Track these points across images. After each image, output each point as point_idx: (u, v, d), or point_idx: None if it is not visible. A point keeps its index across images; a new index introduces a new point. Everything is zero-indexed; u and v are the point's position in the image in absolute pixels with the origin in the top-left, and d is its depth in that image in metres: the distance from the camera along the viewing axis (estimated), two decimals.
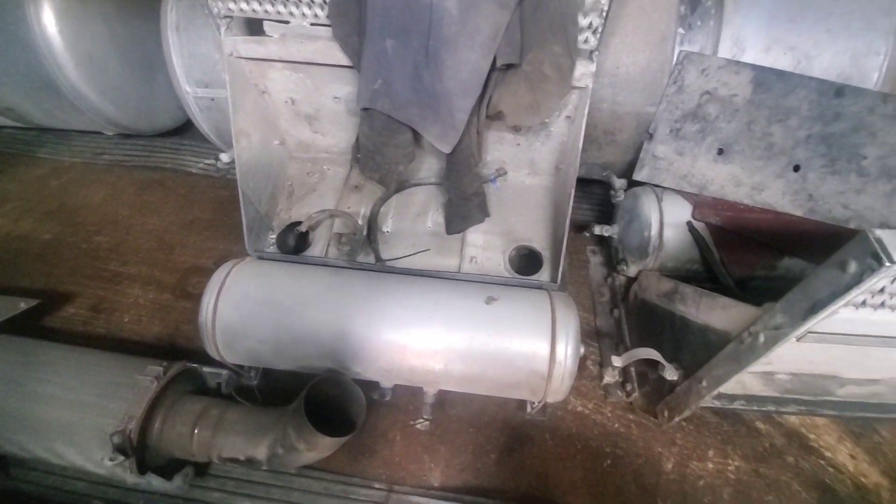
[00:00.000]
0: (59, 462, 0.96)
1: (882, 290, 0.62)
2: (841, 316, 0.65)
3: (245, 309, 0.97)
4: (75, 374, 0.98)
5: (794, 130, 1.13)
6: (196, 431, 0.94)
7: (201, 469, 1.03)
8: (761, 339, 0.73)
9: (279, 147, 1.25)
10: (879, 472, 1.16)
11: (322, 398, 0.93)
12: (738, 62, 1.09)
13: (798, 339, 0.69)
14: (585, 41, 0.92)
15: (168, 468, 0.96)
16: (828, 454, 1.18)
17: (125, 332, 1.28)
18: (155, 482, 0.91)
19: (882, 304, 0.65)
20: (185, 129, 1.78)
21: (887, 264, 0.52)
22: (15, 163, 1.74)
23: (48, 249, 1.47)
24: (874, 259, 0.54)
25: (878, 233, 0.53)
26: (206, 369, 1.05)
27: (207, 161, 1.67)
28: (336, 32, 0.95)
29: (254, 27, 1.03)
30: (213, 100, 1.28)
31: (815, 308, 0.63)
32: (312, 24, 0.98)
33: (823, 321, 0.65)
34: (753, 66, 1.08)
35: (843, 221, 1.16)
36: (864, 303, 0.65)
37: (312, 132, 1.23)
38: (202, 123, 1.35)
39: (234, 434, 0.94)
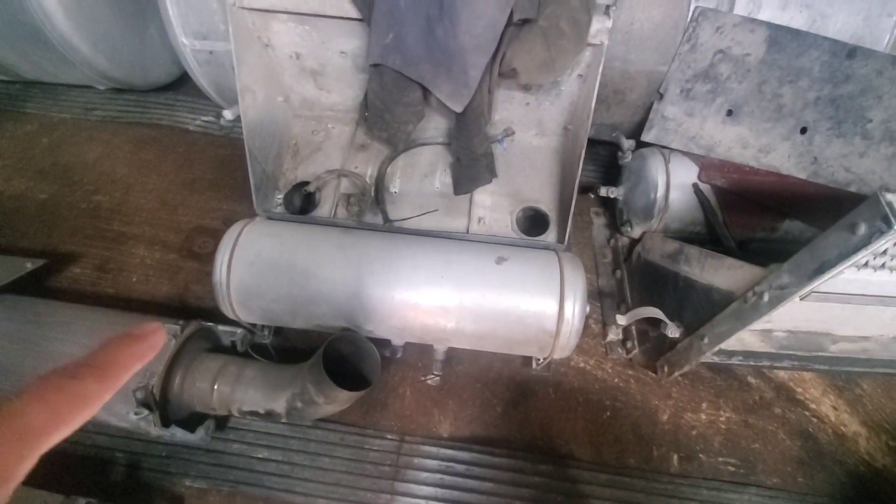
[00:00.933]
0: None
1: (885, 252, 0.65)
2: (844, 276, 0.68)
3: (258, 268, 0.98)
4: (91, 334, 1.00)
5: (804, 92, 1.13)
6: (216, 387, 0.97)
7: (221, 422, 1.07)
8: (766, 298, 0.76)
9: (283, 104, 1.22)
10: (859, 422, 1.24)
11: (337, 355, 0.96)
12: (755, 20, 1.07)
13: (801, 299, 0.72)
14: None
15: (190, 421, 1.00)
16: (812, 406, 1.25)
17: (134, 293, 1.29)
18: (178, 434, 0.94)
19: (882, 266, 0.68)
20: (180, 83, 1.71)
21: None
22: (2, 118, 1.68)
23: (46, 210, 1.45)
24: (884, 222, 0.56)
25: (889, 196, 0.55)
26: (220, 328, 1.07)
27: (205, 118, 1.62)
28: None
29: None
30: (211, 53, 1.23)
31: (822, 268, 0.65)
32: None
33: (828, 281, 0.68)
34: (769, 25, 1.06)
35: (845, 185, 1.18)
36: (866, 264, 0.68)
37: (317, 89, 1.20)
38: (200, 78, 1.30)
39: (254, 389, 0.97)
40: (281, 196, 1.19)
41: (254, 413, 0.98)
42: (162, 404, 0.95)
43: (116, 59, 1.42)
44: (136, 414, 0.91)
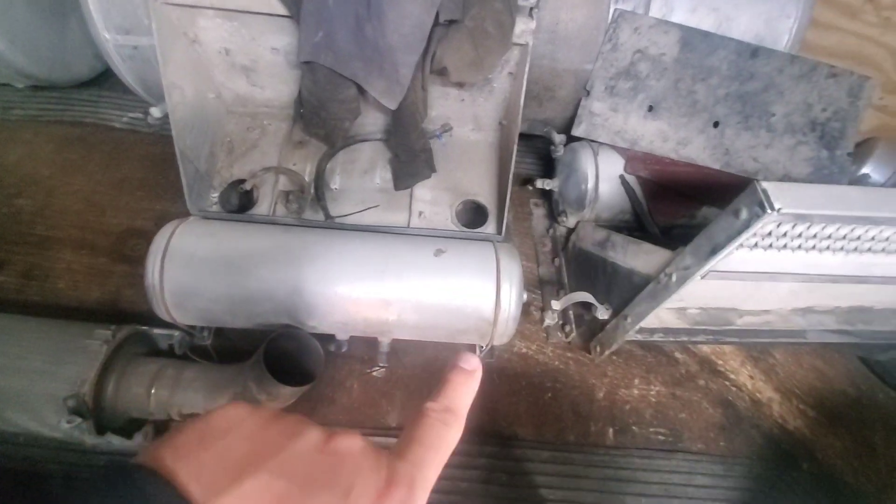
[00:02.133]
0: (11, 430, 0.94)
1: (769, 234, 0.73)
2: (737, 256, 0.76)
3: (194, 269, 0.97)
4: (17, 343, 0.95)
5: (714, 89, 1.23)
6: (153, 391, 0.95)
7: (160, 427, 1.05)
8: (674, 278, 0.83)
9: (215, 101, 1.19)
10: (772, 389, 1.37)
11: (280, 352, 0.96)
12: (668, 22, 1.15)
13: (702, 278, 0.79)
14: None
15: (127, 428, 0.98)
16: (732, 376, 1.37)
17: (62, 299, 1.23)
18: (115, 441, 0.92)
19: (770, 246, 0.76)
20: (103, 78, 1.62)
21: (769, 211, 0.62)
22: None
23: None
24: (760, 207, 0.63)
25: (764, 184, 0.63)
26: (156, 331, 1.05)
27: (132, 115, 1.55)
28: None
29: None
30: (135, 48, 1.19)
31: (714, 250, 0.73)
32: None
33: (722, 261, 0.76)
34: (681, 27, 1.15)
35: (753, 174, 1.30)
36: (755, 245, 0.76)
37: (250, 85, 1.19)
38: (125, 74, 1.25)
39: (193, 391, 0.96)
40: (216, 195, 1.17)
41: (194, 416, 0.97)
42: (96, 412, 0.92)
43: (35, 55, 1.34)
44: (68, 422, 0.88)
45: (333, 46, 0.94)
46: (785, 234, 0.76)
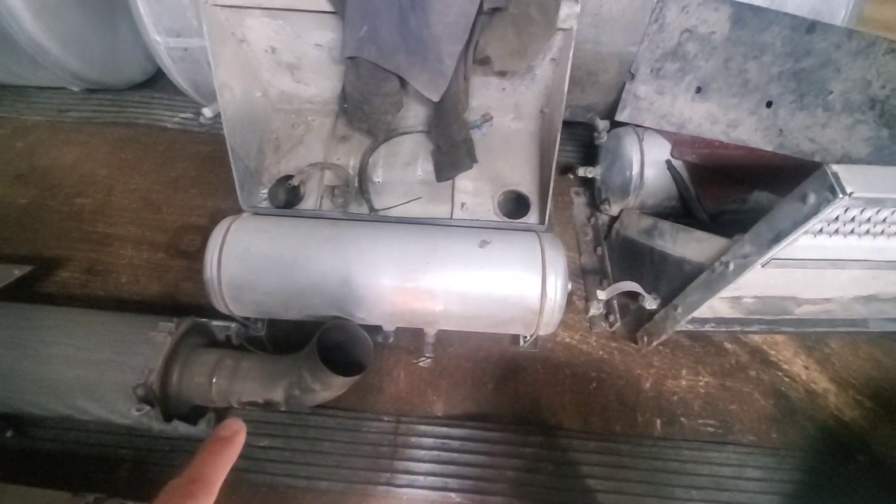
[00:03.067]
0: (83, 417, 1.01)
1: (836, 219, 0.70)
2: (800, 243, 0.73)
3: (249, 263, 1.00)
4: (86, 335, 1.02)
5: (767, 67, 1.17)
6: (214, 380, 1.00)
7: (221, 414, 1.10)
8: (731, 267, 0.81)
9: (262, 99, 1.22)
10: (828, 379, 1.32)
11: (331, 343, 0.99)
12: None
13: (763, 266, 0.77)
14: None
15: (191, 415, 1.03)
16: (785, 366, 1.33)
17: (124, 293, 1.30)
18: (181, 428, 0.98)
19: (836, 232, 0.73)
20: (154, 81, 1.69)
21: (841, 196, 0.59)
22: None
23: (27, 214, 1.44)
24: (830, 191, 0.60)
25: (835, 167, 0.60)
26: (214, 323, 1.10)
27: (183, 115, 1.61)
28: None
29: None
30: (185, 50, 1.23)
31: (778, 237, 0.70)
32: None
33: (785, 249, 0.73)
34: (732, 3, 1.10)
35: (809, 155, 1.23)
36: (820, 230, 0.73)
37: (295, 82, 1.21)
38: (176, 76, 1.29)
39: (251, 380, 1.00)
40: (265, 191, 1.21)
41: (253, 403, 1.01)
42: (162, 400, 0.97)
43: (88, 59, 1.40)
44: (137, 410, 0.93)
45: (377, 40, 0.95)
46: (853, 220, 0.72)
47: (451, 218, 1.19)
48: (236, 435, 0.36)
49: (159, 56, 1.24)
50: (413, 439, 1.15)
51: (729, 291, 0.86)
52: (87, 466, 1.08)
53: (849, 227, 0.74)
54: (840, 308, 1.04)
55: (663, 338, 1.05)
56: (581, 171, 1.36)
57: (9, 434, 1.09)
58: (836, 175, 0.60)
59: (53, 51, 1.30)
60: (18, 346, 1.01)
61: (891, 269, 0.86)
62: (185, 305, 1.28)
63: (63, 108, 1.65)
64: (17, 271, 1.14)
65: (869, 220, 0.72)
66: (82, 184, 1.49)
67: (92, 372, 0.98)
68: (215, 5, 0.98)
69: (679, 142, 1.23)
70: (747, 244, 0.77)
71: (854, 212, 0.70)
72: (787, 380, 1.31)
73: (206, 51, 1.17)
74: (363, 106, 1.09)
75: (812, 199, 0.63)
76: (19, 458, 1.10)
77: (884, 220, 0.73)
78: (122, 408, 0.96)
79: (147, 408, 0.94)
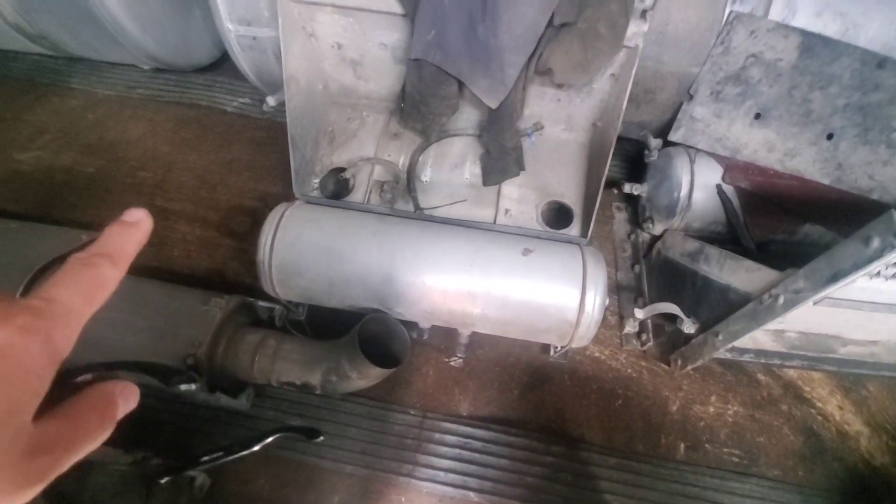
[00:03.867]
0: (134, 382, 1.07)
1: (895, 264, 0.69)
2: (857, 284, 0.72)
3: (299, 250, 1.05)
4: (143, 304, 1.08)
5: (833, 98, 1.14)
6: (257, 358, 1.05)
7: (259, 391, 1.15)
8: (781, 300, 0.80)
9: (322, 91, 1.27)
10: (862, 422, 1.29)
11: (369, 334, 1.02)
12: (789, 26, 1.08)
13: (815, 303, 0.76)
14: (642, 0, 0.92)
15: (232, 389, 1.08)
16: (819, 404, 1.30)
17: (176, 266, 1.37)
18: (223, 399, 1.03)
19: (893, 276, 0.72)
20: (218, 65, 1.76)
21: None
22: (47, 93, 1.75)
23: (93, 183, 1.52)
24: (895, 237, 0.60)
25: None
26: (260, 303, 1.15)
27: (242, 100, 1.68)
28: None
29: None
30: (254, 38, 1.28)
31: (836, 276, 0.69)
32: None
33: (841, 289, 0.72)
34: (803, 32, 1.08)
35: (867, 192, 1.20)
36: (878, 273, 0.72)
37: (356, 77, 1.25)
38: (242, 63, 1.34)
39: (291, 362, 1.05)
40: (317, 180, 1.25)
41: (290, 384, 1.06)
42: (208, 371, 1.03)
43: (163, 41, 1.48)
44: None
45: (443, 45, 0.97)
46: None
47: (495, 223, 1.20)
48: (141, 222, 0.35)
49: (229, 43, 1.29)
50: (437, 435, 1.18)
51: (774, 324, 0.86)
52: (133, 428, 1.14)
53: None
54: (886, 352, 1.01)
55: (699, 363, 1.05)
56: (627, 188, 1.35)
57: None
58: None
59: (133, 31, 1.38)
60: None
61: None
62: (231, 283, 1.34)
63: (131, 85, 1.73)
64: (85, 237, 1.21)
65: None
66: (145, 158, 1.57)
67: (148, 339, 1.04)
68: (291, 0, 1.02)
69: (732, 167, 1.22)
70: (801, 279, 0.76)
71: None
72: (819, 418, 1.28)
73: (273, 41, 1.22)
74: (420, 106, 1.12)
75: (876, 242, 0.63)
76: None
77: None
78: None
79: (195, 377, 0.99)
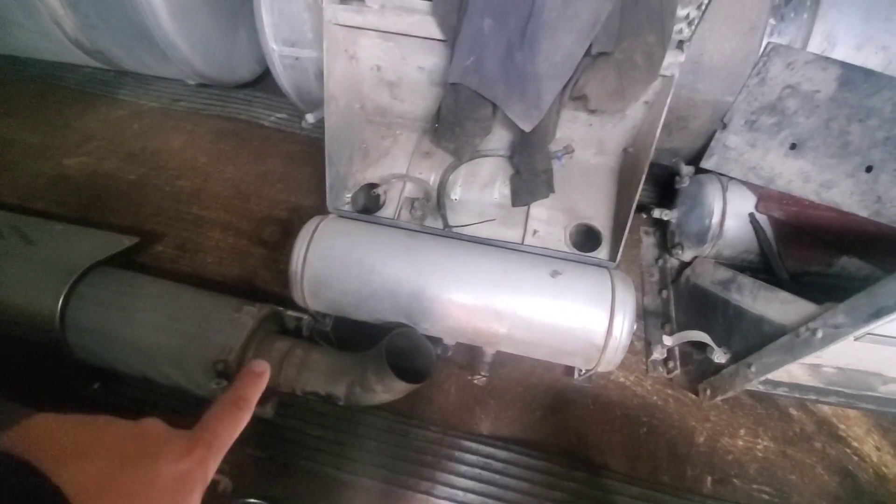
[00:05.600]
0: (163, 382, 1.10)
1: None
2: None
3: (331, 262, 1.07)
4: (178, 308, 1.11)
5: (873, 131, 1.13)
6: (283, 367, 1.06)
7: (284, 399, 1.17)
8: (819, 335, 0.79)
9: (359, 110, 1.31)
10: None
11: (395, 349, 1.03)
12: (828, 58, 1.08)
13: (856, 339, 0.74)
14: (680, 31, 0.93)
15: None
16: (854, 444, 1.25)
17: (208, 272, 1.41)
18: None
19: None
20: (258, 81, 1.84)
21: None
22: (96, 102, 1.84)
23: (134, 189, 1.59)
24: None
25: None
26: (289, 312, 1.17)
27: (279, 115, 1.74)
28: (436, 9, 0.98)
29: None
30: (297, 59, 1.33)
31: (879, 313, 0.68)
32: None
33: (883, 325, 0.70)
34: (843, 64, 1.07)
35: None
36: None
37: (392, 98, 1.28)
38: (283, 81, 1.40)
39: (317, 372, 1.06)
40: (349, 195, 1.28)
41: (314, 394, 1.07)
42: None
43: (209, 58, 1.55)
44: (216, 384, 1.01)
45: (481, 70, 1.00)
46: None
47: (523, 243, 1.21)
48: (264, 372, 0.47)
49: (272, 62, 1.35)
50: (457, 453, 1.17)
51: (811, 359, 0.84)
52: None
53: None
54: None
55: (730, 394, 1.03)
56: (657, 213, 1.35)
57: (96, 386, 1.21)
58: None
59: (183, 48, 1.45)
60: (120, 308, 1.11)
61: None
62: (261, 291, 1.37)
63: (176, 98, 1.81)
64: (126, 241, 1.27)
65: None
66: (184, 168, 1.63)
67: (179, 342, 1.07)
68: (336, 24, 1.07)
69: (765, 196, 1.20)
70: (841, 314, 0.74)
71: None
72: (855, 458, 1.23)
73: (315, 61, 1.27)
74: (455, 128, 1.14)
75: None
76: (100, 409, 1.20)
77: None
78: (201, 379, 1.05)
79: (224, 382, 1.01)
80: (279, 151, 1.65)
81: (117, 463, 0.33)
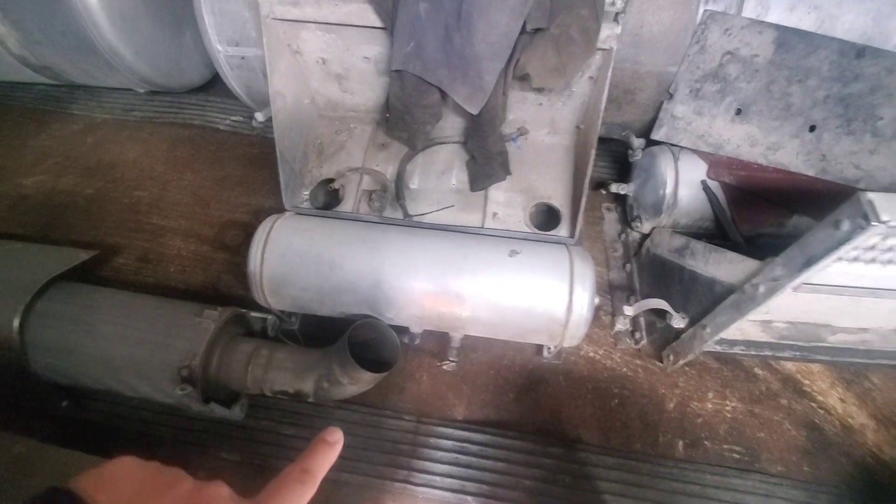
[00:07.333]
0: (131, 394, 1.09)
1: (873, 247, 0.69)
2: (835, 269, 0.72)
3: (289, 260, 1.06)
4: (140, 317, 1.10)
5: (812, 91, 1.16)
6: (250, 368, 1.06)
7: (254, 400, 1.16)
8: (761, 289, 0.81)
9: (309, 106, 1.30)
10: (867, 415, 1.27)
11: (361, 340, 1.03)
12: (762, 22, 1.10)
13: (794, 290, 0.76)
14: (612, 3, 0.95)
15: (226, 399, 1.09)
16: (819, 398, 1.28)
17: (172, 281, 1.39)
18: (217, 410, 1.04)
19: (873, 260, 0.72)
20: (209, 85, 1.81)
21: (875, 224, 0.59)
22: (50, 119, 1.80)
23: (92, 204, 1.56)
24: (864, 219, 0.60)
25: (870, 195, 0.60)
26: (253, 314, 1.16)
27: (234, 118, 1.72)
28: None
29: None
30: (243, 58, 1.32)
31: (809, 262, 0.70)
32: None
33: (818, 274, 0.72)
34: (777, 27, 1.10)
35: (854, 181, 1.21)
36: (856, 258, 0.72)
37: (341, 91, 1.28)
38: (232, 82, 1.39)
39: (284, 371, 1.06)
40: (307, 192, 1.27)
41: (283, 393, 1.07)
42: (202, 382, 1.04)
43: (156, 64, 1.53)
44: (181, 390, 1.00)
45: (422, 55, 1.00)
46: (892, 248, 0.71)
47: (483, 227, 1.22)
48: (338, 442, 0.44)
49: (219, 63, 1.34)
50: (432, 440, 1.18)
51: (759, 314, 0.86)
52: (129, 442, 1.16)
53: (887, 255, 0.72)
54: (880, 339, 1.00)
55: (690, 357, 1.05)
56: (614, 188, 1.37)
57: (64, 404, 1.19)
58: (870, 203, 0.60)
59: (127, 56, 1.42)
60: (82, 323, 1.10)
61: None
62: (225, 295, 1.36)
63: (128, 108, 1.78)
64: (84, 255, 1.24)
65: None
66: (141, 178, 1.61)
67: (143, 351, 1.05)
68: (275, 19, 1.06)
69: (716, 163, 1.23)
70: (778, 267, 0.76)
71: (893, 240, 0.69)
72: (821, 412, 1.26)
73: (261, 59, 1.26)
74: (405, 116, 1.14)
75: (846, 225, 0.63)
76: (70, 427, 1.19)
77: None
78: (167, 387, 1.03)
79: (189, 388, 1.00)
80: (236, 155, 1.64)
81: None
